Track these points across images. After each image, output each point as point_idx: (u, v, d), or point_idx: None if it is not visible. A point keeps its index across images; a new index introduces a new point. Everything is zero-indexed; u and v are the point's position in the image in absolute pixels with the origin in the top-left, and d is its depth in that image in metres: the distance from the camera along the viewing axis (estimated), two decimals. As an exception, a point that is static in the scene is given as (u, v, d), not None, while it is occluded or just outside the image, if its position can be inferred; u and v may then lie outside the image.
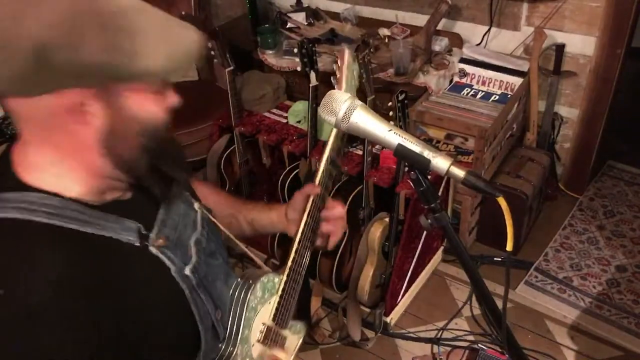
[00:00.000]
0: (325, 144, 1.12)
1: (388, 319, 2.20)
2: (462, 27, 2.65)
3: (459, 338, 2.16)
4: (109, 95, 0.72)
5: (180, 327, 0.87)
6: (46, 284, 0.69)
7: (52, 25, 0.65)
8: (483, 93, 2.48)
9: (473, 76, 2.53)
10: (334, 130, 1.10)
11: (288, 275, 1.06)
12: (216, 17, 3.60)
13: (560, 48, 2.43)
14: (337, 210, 1.14)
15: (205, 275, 0.91)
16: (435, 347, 2.13)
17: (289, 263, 1.06)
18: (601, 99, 2.50)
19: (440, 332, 2.19)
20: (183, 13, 3.14)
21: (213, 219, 1.01)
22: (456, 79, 2.56)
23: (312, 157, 2.19)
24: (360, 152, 2.19)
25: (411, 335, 2.19)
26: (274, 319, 1.04)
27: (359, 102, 0.82)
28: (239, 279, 1.01)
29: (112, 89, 0.72)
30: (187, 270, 0.86)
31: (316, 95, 2.09)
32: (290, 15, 2.88)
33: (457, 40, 2.61)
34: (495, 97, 2.45)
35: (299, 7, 3.00)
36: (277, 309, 1.05)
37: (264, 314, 1.02)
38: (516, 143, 2.66)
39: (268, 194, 2.66)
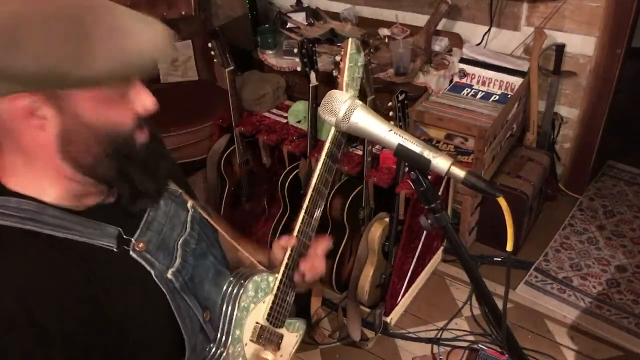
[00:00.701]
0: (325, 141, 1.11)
1: (388, 319, 2.20)
2: (462, 27, 2.65)
3: (459, 338, 2.16)
4: (60, 101, 0.70)
5: (163, 331, 0.85)
6: (14, 294, 0.68)
7: None
8: (483, 93, 2.48)
9: (473, 76, 2.53)
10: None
11: (284, 274, 1.05)
12: (216, 17, 3.60)
13: (560, 48, 2.43)
14: (320, 247, 1.11)
15: (192, 277, 0.90)
16: (435, 347, 2.13)
17: (285, 261, 1.05)
18: (601, 99, 2.50)
19: (440, 332, 2.19)
20: (183, 13, 3.15)
21: (207, 217, 1.00)
22: (456, 79, 2.56)
23: (312, 157, 2.19)
24: (360, 152, 2.19)
25: (411, 335, 2.19)
26: (267, 318, 1.03)
27: (359, 102, 0.82)
28: (231, 278, 1.00)
29: (62, 95, 0.70)
30: (170, 274, 0.85)
31: (316, 95, 2.09)
32: (290, 15, 2.88)
33: (457, 40, 2.61)
34: (495, 97, 2.45)
35: (299, 7, 3.00)
36: (271, 308, 1.03)
37: (257, 313, 1.01)
38: (516, 143, 2.66)
39: (268, 194, 2.66)
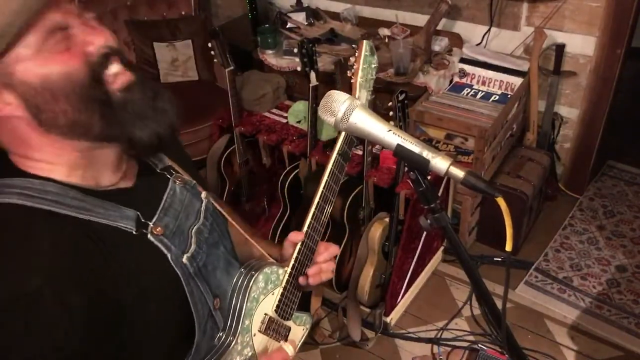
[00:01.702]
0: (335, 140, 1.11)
1: (388, 319, 2.20)
2: (462, 27, 2.65)
3: (459, 338, 2.16)
4: (6, 79, 0.70)
5: (176, 313, 0.87)
6: (41, 271, 0.70)
7: None
8: (483, 93, 2.48)
9: (473, 76, 2.53)
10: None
11: (293, 267, 1.06)
12: (216, 17, 3.60)
13: (560, 48, 2.43)
14: (329, 251, 1.12)
15: (205, 264, 0.91)
16: (435, 347, 2.13)
17: (295, 255, 1.06)
18: (601, 99, 2.50)
19: (440, 332, 2.19)
20: (183, 13, 3.15)
21: (220, 209, 1.01)
22: (456, 79, 2.56)
23: (312, 157, 2.19)
24: (360, 152, 2.18)
25: (411, 335, 2.19)
26: (276, 310, 1.05)
27: (358, 102, 0.82)
28: (241, 269, 1.01)
29: (4, 72, 0.70)
30: (185, 258, 0.86)
31: (316, 95, 2.09)
32: (290, 15, 2.88)
33: (457, 40, 2.61)
34: (495, 97, 2.45)
35: (299, 7, 3.01)
36: (280, 300, 1.05)
37: (266, 305, 1.02)
38: (516, 143, 2.66)
39: (268, 194, 2.66)
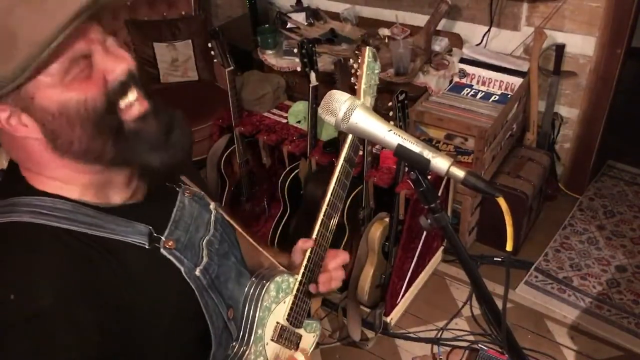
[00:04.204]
0: (342, 144, 1.11)
1: (388, 319, 2.20)
2: (462, 27, 2.65)
3: (459, 338, 2.16)
4: (25, 103, 0.70)
5: (191, 326, 0.87)
6: (52, 289, 0.70)
7: None
8: (483, 93, 2.48)
9: (473, 76, 2.53)
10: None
11: (303, 275, 1.06)
12: (216, 17, 3.60)
13: (560, 48, 2.43)
14: (338, 259, 1.12)
15: (217, 275, 0.91)
16: (435, 347, 2.13)
17: (305, 263, 1.06)
18: (601, 99, 2.50)
19: (440, 332, 2.19)
20: (183, 13, 3.15)
21: (228, 219, 1.01)
22: (456, 79, 2.55)
23: (312, 157, 2.19)
24: (360, 152, 2.19)
25: (411, 335, 2.19)
26: (287, 319, 1.05)
27: (359, 102, 0.82)
28: (253, 278, 1.01)
29: (23, 96, 0.69)
30: (198, 271, 0.86)
31: (316, 95, 2.09)
32: (290, 15, 2.88)
33: (457, 40, 2.61)
34: (495, 97, 2.45)
35: (299, 7, 3.01)
36: (291, 308, 1.05)
37: (278, 313, 1.03)
38: (516, 143, 2.66)
39: (268, 194, 2.66)
